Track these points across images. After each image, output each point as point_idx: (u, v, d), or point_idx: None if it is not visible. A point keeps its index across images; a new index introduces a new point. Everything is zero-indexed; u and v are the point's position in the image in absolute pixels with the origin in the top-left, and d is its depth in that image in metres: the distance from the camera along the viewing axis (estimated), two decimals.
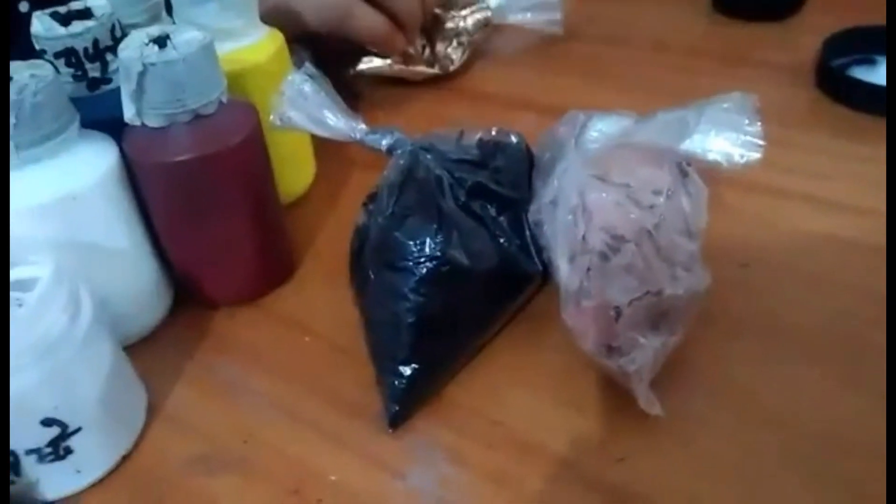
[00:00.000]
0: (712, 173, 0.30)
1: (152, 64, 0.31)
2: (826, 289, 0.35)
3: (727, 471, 0.28)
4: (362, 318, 0.34)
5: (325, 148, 0.46)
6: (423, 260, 0.31)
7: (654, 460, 0.29)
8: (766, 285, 0.36)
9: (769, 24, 0.56)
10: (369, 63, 0.53)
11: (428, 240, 0.31)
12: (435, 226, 0.32)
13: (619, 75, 0.54)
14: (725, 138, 0.28)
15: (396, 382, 0.31)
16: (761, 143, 0.28)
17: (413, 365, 0.31)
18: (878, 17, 0.50)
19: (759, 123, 0.28)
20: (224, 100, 0.34)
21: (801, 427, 0.29)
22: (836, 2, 0.56)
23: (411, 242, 0.32)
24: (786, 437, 0.29)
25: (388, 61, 0.53)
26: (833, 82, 0.48)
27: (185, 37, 0.32)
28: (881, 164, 0.41)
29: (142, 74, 0.31)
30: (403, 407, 0.31)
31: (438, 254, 0.31)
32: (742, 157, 0.28)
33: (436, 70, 0.54)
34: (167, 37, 0.32)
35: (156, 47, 0.31)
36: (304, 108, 0.35)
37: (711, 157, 0.28)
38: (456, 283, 0.32)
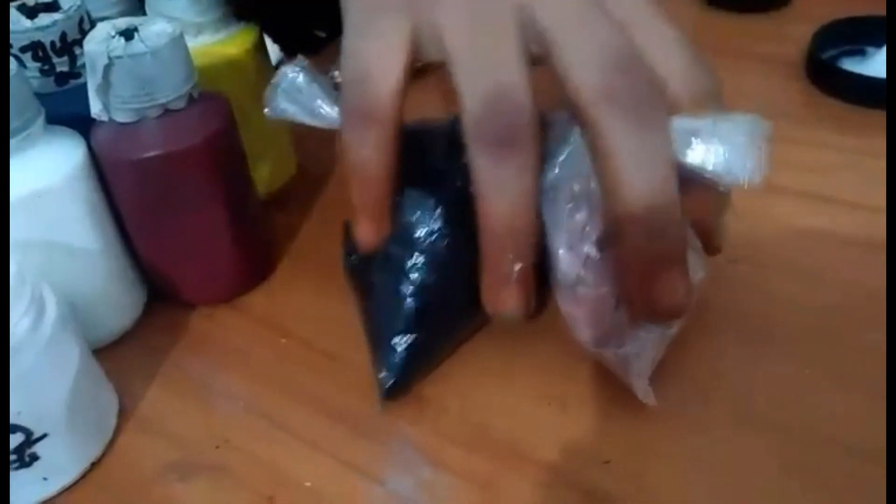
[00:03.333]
0: None
1: (118, 57, 0.30)
2: (817, 285, 0.34)
3: (717, 472, 0.28)
4: (357, 294, 0.34)
5: (307, 143, 0.45)
6: (422, 236, 0.31)
7: (642, 462, 0.28)
8: (755, 281, 0.35)
9: (759, 15, 0.55)
10: None
11: (427, 217, 0.31)
12: (433, 200, 0.32)
13: None
14: (731, 157, 0.27)
15: (395, 352, 0.31)
16: (765, 170, 0.27)
17: (412, 335, 0.31)
18: (868, 7, 0.49)
19: (767, 149, 0.27)
20: (195, 94, 0.32)
21: (793, 427, 0.29)
22: None
23: (411, 219, 0.31)
24: (777, 437, 0.28)
25: None
26: (823, 74, 0.47)
27: (154, 29, 0.31)
28: (874, 157, 0.41)
29: (108, 68, 0.30)
30: (401, 377, 0.31)
31: (437, 229, 0.31)
32: (743, 179, 0.27)
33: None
34: (135, 29, 0.31)
35: (122, 40, 0.30)
36: (298, 100, 0.34)
37: (712, 172, 0.27)
38: (454, 259, 0.31)
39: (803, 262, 0.35)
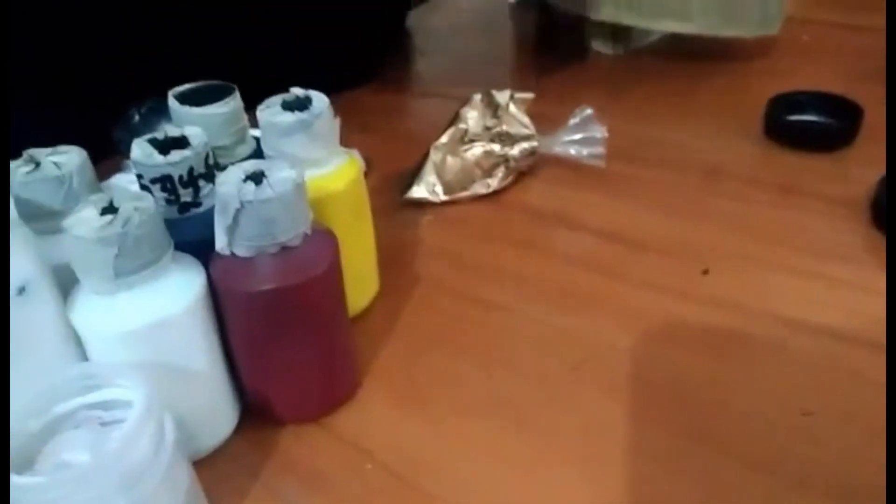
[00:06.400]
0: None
1: (249, 202, 0.33)
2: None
3: None
4: None
5: (389, 264, 0.48)
6: None
7: None
8: (831, 434, 0.35)
9: (821, 155, 0.57)
10: (417, 193, 0.56)
11: None
12: None
13: (668, 201, 0.55)
14: None
15: None
16: None
17: None
18: None
19: None
20: (309, 231, 0.35)
21: None
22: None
23: None
24: None
25: (436, 190, 0.56)
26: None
27: (280, 175, 0.34)
28: None
29: (238, 211, 0.33)
30: None
31: None
32: None
33: (480, 191, 0.57)
34: (262, 174, 0.34)
35: (252, 184, 0.33)
36: None
37: None
38: None
39: (875, 417, 0.36)
